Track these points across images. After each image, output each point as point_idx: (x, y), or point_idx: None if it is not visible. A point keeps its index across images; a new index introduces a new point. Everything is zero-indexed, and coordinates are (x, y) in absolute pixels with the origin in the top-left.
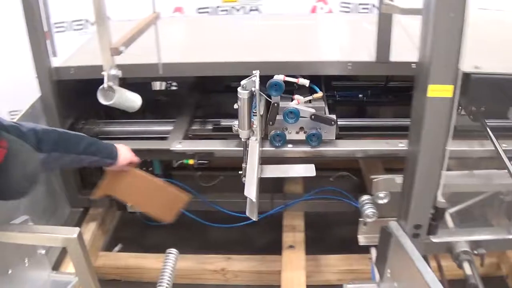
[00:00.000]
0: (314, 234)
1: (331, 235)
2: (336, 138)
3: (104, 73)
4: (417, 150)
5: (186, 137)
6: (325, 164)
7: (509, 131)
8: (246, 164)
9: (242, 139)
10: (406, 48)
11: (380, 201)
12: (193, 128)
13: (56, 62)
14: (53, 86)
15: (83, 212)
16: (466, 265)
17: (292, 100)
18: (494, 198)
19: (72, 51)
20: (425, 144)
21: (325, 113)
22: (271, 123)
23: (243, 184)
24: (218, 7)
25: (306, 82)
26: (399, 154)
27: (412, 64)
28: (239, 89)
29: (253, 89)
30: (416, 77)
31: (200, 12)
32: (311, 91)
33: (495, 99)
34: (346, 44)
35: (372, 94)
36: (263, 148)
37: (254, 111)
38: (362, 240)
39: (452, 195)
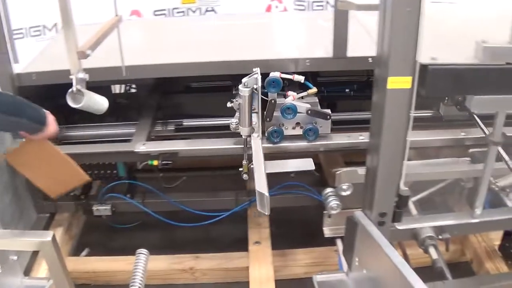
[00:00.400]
0: (280, 229)
1: (296, 229)
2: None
3: (72, 77)
4: (378, 141)
5: (149, 138)
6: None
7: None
8: (246, 161)
9: (243, 136)
10: (363, 43)
11: (343, 193)
12: (156, 129)
13: (17, 68)
14: (15, 92)
15: (49, 217)
16: (432, 250)
17: (286, 96)
18: (456, 185)
19: (32, 57)
20: (386, 135)
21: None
22: (268, 119)
23: (244, 181)
24: (174, 8)
25: (301, 78)
26: None
27: (369, 59)
28: (240, 86)
29: (255, 86)
30: (375, 71)
31: (157, 14)
32: (301, 87)
33: (452, 88)
34: (303, 41)
35: (358, 89)
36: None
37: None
38: (327, 232)
39: (416, 183)
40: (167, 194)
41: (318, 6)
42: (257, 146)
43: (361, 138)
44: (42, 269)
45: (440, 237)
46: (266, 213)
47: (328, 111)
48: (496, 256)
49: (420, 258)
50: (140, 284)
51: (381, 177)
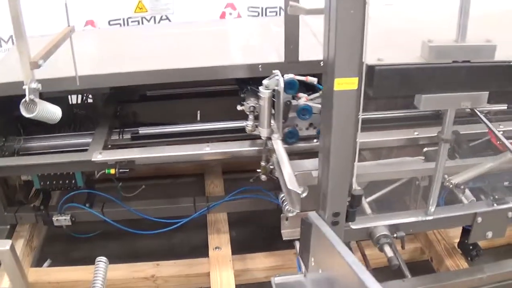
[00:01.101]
0: (240, 234)
1: (257, 233)
2: None
3: (25, 87)
4: (328, 143)
5: (106, 147)
6: (243, 166)
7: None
8: (264, 162)
9: (263, 138)
10: (314, 47)
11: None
12: (112, 138)
13: None
14: None
15: (10, 229)
16: (387, 248)
17: (295, 98)
18: (412, 185)
19: None
20: (335, 136)
21: None
22: (284, 120)
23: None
24: (129, 18)
25: (314, 80)
26: None
27: (321, 62)
28: (261, 88)
29: (276, 88)
30: (323, 73)
31: (111, 24)
32: (308, 89)
33: (399, 88)
34: (256, 47)
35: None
36: None
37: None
38: (286, 235)
39: (372, 183)
40: (126, 203)
41: (271, 12)
42: (280, 146)
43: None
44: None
45: (395, 235)
46: (298, 211)
47: None
48: (456, 253)
49: (378, 258)
50: None
51: (333, 177)
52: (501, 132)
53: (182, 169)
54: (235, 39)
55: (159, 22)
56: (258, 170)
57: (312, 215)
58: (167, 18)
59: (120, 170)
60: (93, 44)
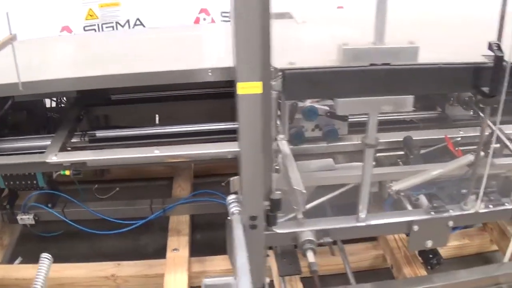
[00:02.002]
0: (201, 236)
1: (217, 236)
2: None
3: None
4: (241, 147)
5: (64, 149)
6: (216, 170)
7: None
8: None
9: None
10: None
11: None
12: (72, 141)
13: None
14: None
15: None
16: (309, 254)
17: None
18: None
19: None
20: (244, 140)
21: None
22: (290, 122)
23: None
24: (103, 24)
25: None
26: None
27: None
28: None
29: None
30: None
31: (86, 30)
32: None
33: (312, 91)
34: (223, 51)
35: None
36: None
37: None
38: None
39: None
40: (96, 203)
41: None
42: (286, 147)
43: None
44: None
45: (321, 240)
46: (302, 210)
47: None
48: (416, 261)
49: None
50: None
51: (246, 182)
52: (458, 139)
53: (156, 172)
54: (204, 43)
55: (133, 27)
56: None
57: (234, 217)
58: (141, 24)
59: (74, 172)
60: (64, 49)
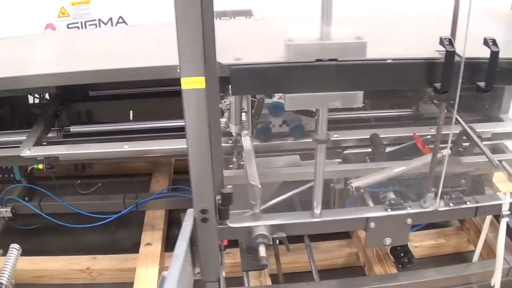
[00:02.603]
0: (179, 231)
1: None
2: None
3: None
4: (188, 141)
5: (40, 144)
6: None
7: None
8: (236, 158)
9: (234, 134)
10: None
11: None
12: (48, 136)
13: None
14: None
15: None
16: (261, 248)
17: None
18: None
19: None
20: (190, 134)
21: None
22: (257, 117)
23: None
24: (86, 21)
25: None
26: None
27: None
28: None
29: None
30: None
31: (70, 27)
32: None
33: (259, 87)
34: None
35: None
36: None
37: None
38: None
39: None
40: (65, 198)
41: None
42: (248, 143)
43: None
44: None
45: (275, 236)
46: (258, 205)
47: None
48: (388, 259)
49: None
50: (8, 277)
51: (195, 176)
52: (429, 137)
53: (137, 167)
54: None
55: (115, 24)
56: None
57: (188, 212)
58: (124, 22)
59: (47, 166)
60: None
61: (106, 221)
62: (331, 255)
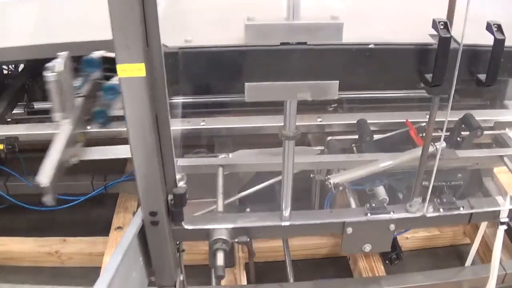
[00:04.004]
0: None
1: None
2: None
3: None
4: (129, 136)
5: (4, 121)
6: None
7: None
8: None
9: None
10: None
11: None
12: (14, 112)
13: None
14: None
15: None
16: (219, 255)
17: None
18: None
19: None
20: (131, 129)
21: None
22: (92, 100)
23: None
24: None
25: None
26: None
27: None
28: (45, 72)
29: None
30: None
31: None
32: None
33: (212, 74)
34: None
35: None
36: (88, 130)
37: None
38: None
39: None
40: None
41: None
42: (63, 131)
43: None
44: None
45: (236, 240)
46: (49, 204)
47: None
48: (375, 254)
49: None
50: None
51: (140, 175)
52: (423, 124)
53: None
54: None
55: None
56: None
57: (138, 213)
58: None
59: (8, 146)
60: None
61: (71, 203)
62: (316, 244)
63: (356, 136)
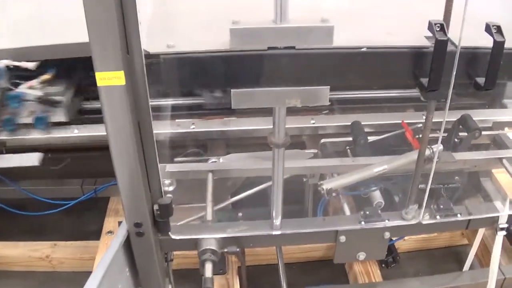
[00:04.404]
0: None
1: None
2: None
3: None
4: (111, 147)
5: None
6: None
7: None
8: None
9: None
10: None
11: (167, 188)
12: None
13: None
14: None
15: None
16: (208, 266)
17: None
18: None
19: None
20: (113, 139)
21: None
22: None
23: None
24: None
25: (29, 65)
26: None
27: None
28: None
29: None
30: None
31: None
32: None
33: (196, 81)
34: None
35: None
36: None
37: None
38: None
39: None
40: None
41: None
42: None
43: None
44: None
45: (225, 250)
46: None
47: (62, 98)
48: None
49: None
50: None
51: (123, 186)
52: (420, 125)
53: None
54: None
55: None
56: None
57: (123, 225)
58: None
59: None
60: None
61: (62, 208)
62: (311, 247)
63: (351, 138)
